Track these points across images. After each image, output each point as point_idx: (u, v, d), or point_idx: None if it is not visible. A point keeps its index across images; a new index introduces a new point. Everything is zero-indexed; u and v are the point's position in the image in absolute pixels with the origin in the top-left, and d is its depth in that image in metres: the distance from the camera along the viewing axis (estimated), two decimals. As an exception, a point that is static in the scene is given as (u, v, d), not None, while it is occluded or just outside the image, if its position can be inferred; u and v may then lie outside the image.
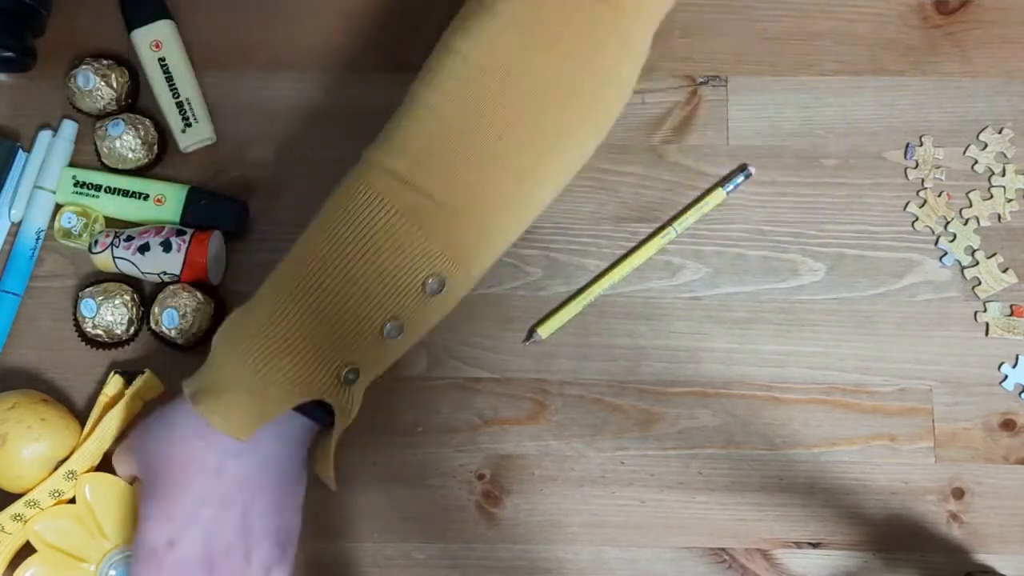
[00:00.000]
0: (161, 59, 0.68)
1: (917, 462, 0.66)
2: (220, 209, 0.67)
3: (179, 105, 0.68)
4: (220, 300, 0.67)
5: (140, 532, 0.56)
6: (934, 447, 0.66)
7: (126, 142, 0.66)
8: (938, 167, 0.68)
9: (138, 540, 0.56)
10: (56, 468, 0.63)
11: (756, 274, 0.68)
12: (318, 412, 0.57)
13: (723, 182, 0.68)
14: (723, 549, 0.65)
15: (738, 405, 0.66)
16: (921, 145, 0.69)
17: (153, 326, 0.65)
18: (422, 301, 0.56)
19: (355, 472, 0.66)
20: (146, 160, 0.67)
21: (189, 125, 0.68)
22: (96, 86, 0.67)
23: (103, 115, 0.68)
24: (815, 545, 0.65)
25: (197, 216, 0.67)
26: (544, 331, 0.67)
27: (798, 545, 0.65)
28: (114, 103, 0.68)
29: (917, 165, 0.69)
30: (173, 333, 0.64)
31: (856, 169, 0.69)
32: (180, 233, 0.65)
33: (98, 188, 0.67)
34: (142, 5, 0.69)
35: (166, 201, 0.67)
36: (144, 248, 0.65)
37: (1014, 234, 0.68)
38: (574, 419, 0.66)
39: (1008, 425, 0.66)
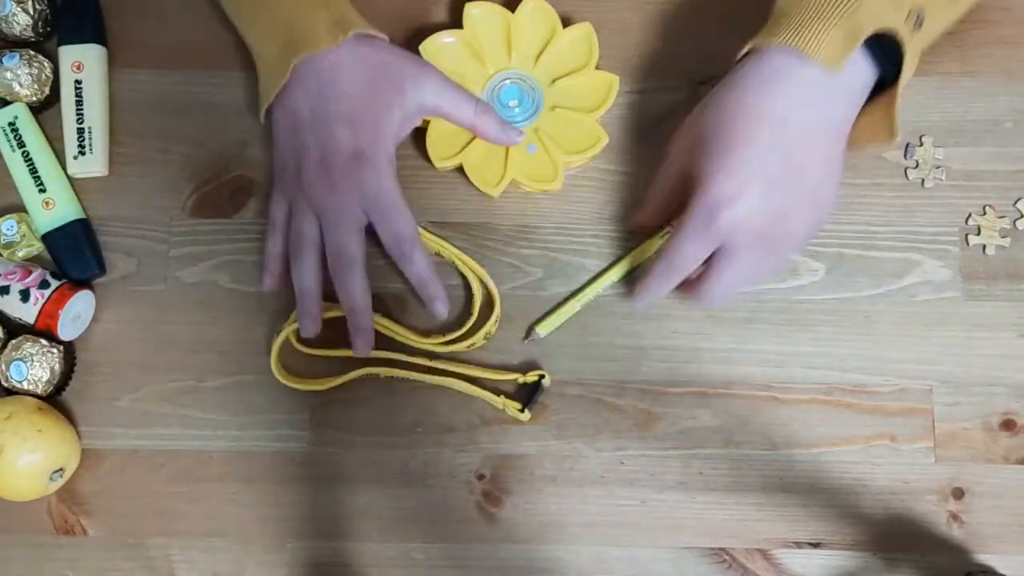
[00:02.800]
0: (78, 81, 0.68)
1: (917, 462, 0.66)
2: (76, 258, 0.67)
3: (80, 131, 0.68)
4: (70, 350, 0.66)
5: (702, 189, 0.57)
6: (934, 447, 0.66)
7: (19, 76, 0.67)
8: (938, 167, 0.68)
9: (698, 198, 0.58)
10: (51, 478, 0.63)
11: (756, 274, 0.68)
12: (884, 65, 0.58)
13: None
14: (723, 549, 0.65)
15: (738, 405, 0.66)
16: (921, 145, 0.69)
17: (4, 383, 0.65)
18: None
19: (355, 472, 0.66)
20: (35, 99, 0.68)
21: (83, 153, 0.68)
22: (12, 11, 0.67)
23: (19, 43, 0.68)
24: (815, 545, 0.65)
25: (53, 247, 0.67)
26: (543, 329, 0.67)
27: (798, 545, 0.65)
28: (30, 30, 0.68)
29: (917, 165, 0.69)
30: (26, 385, 0.64)
31: (856, 169, 0.69)
32: (45, 285, 0.65)
33: (22, 145, 0.67)
34: (76, 24, 0.69)
35: (53, 208, 0.67)
36: (4, 291, 0.65)
37: (1014, 234, 0.68)
38: (574, 419, 0.66)
39: (1008, 425, 0.66)
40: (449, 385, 0.66)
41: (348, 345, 0.65)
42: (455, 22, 0.69)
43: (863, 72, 0.58)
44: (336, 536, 0.65)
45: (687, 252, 0.60)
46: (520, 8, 0.68)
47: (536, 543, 0.65)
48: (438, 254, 0.67)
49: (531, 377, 0.65)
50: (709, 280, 0.61)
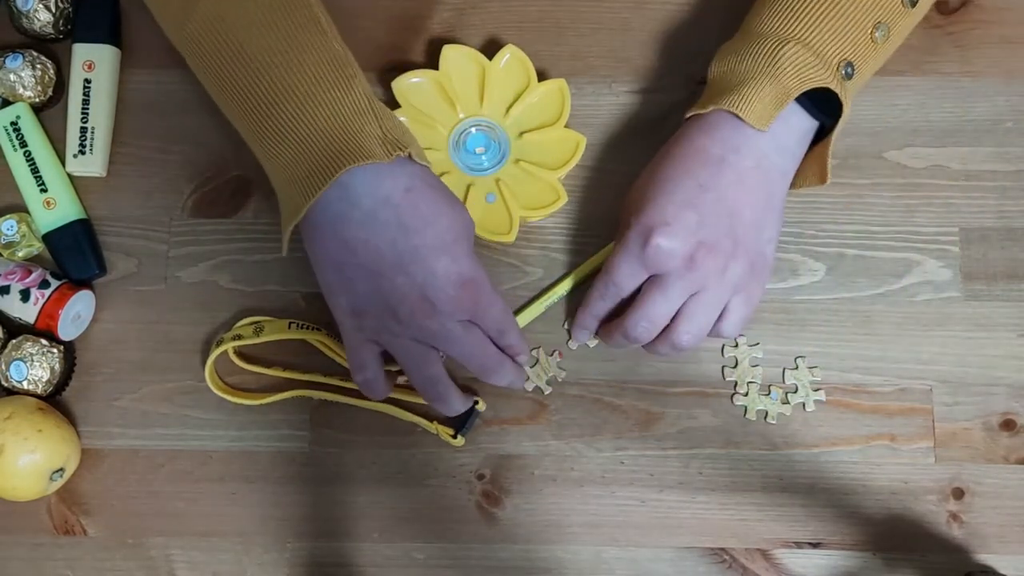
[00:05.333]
0: (87, 80, 0.68)
1: (917, 462, 0.66)
2: (77, 258, 0.67)
3: (83, 130, 0.68)
4: (70, 350, 0.67)
5: (638, 213, 0.60)
6: (934, 447, 0.66)
7: (22, 78, 0.67)
8: (816, 388, 0.66)
9: (634, 222, 0.60)
10: (51, 477, 0.63)
11: (756, 274, 0.68)
12: (814, 112, 0.61)
13: None
14: (723, 549, 0.65)
15: (738, 405, 0.66)
16: (796, 368, 0.69)
17: (4, 383, 0.65)
18: (903, 12, 0.63)
19: (355, 472, 0.66)
20: (37, 100, 0.68)
21: (83, 152, 0.68)
22: (33, 7, 0.67)
23: (39, 39, 0.69)
24: (815, 545, 0.65)
25: (54, 247, 0.67)
26: None
27: (798, 545, 0.65)
28: (50, 27, 0.68)
29: (795, 390, 0.68)
30: (26, 385, 0.64)
31: (856, 169, 0.69)
32: (45, 285, 0.65)
33: (24, 145, 0.67)
34: (92, 22, 0.69)
35: (54, 208, 0.67)
36: (4, 291, 0.65)
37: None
38: (574, 419, 0.66)
39: (1008, 425, 0.66)
40: (382, 410, 0.66)
41: (283, 365, 0.66)
42: (433, 62, 0.68)
43: (796, 125, 0.61)
44: (336, 536, 0.65)
45: (624, 270, 0.61)
46: (497, 56, 0.67)
47: (536, 543, 0.65)
48: None
49: None
50: (635, 310, 0.61)
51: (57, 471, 0.63)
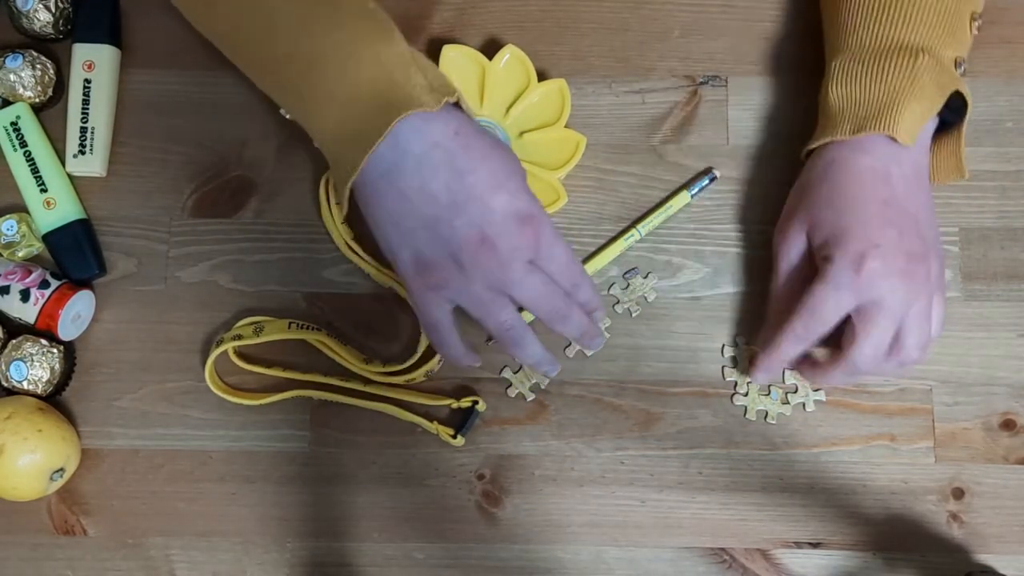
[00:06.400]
0: (87, 80, 0.68)
1: (917, 462, 0.66)
2: (77, 258, 0.67)
3: (83, 130, 0.68)
4: (70, 350, 0.67)
5: (841, 243, 0.59)
6: (934, 447, 0.66)
7: (22, 78, 0.67)
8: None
9: (839, 252, 0.59)
10: (51, 477, 0.63)
11: (756, 274, 0.68)
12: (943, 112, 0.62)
13: (688, 185, 0.68)
14: (723, 549, 0.65)
15: (738, 405, 0.66)
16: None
17: (4, 383, 0.65)
18: None
19: (355, 472, 0.66)
20: (37, 100, 0.68)
21: (83, 153, 0.68)
22: (33, 7, 0.67)
23: (38, 39, 0.69)
24: (815, 545, 0.65)
25: (54, 247, 0.67)
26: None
27: (798, 545, 0.65)
28: (50, 27, 0.68)
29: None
30: (26, 385, 0.64)
31: (856, 169, 0.69)
32: (45, 285, 0.64)
33: (24, 145, 0.67)
34: (92, 22, 0.69)
35: (54, 208, 0.67)
36: (4, 291, 0.65)
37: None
38: (574, 419, 0.66)
39: (1008, 425, 0.66)
40: (382, 410, 0.66)
41: (283, 365, 0.66)
42: (433, 61, 0.68)
43: (928, 128, 0.63)
44: (336, 536, 0.65)
45: (830, 304, 0.59)
46: (497, 56, 0.67)
47: (536, 543, 0.65)
48: (391, 289, 0.67)
49: (465, 403, 0.65)
50: (858, 342, 0.59)
51: (57, 471, 0.63)
